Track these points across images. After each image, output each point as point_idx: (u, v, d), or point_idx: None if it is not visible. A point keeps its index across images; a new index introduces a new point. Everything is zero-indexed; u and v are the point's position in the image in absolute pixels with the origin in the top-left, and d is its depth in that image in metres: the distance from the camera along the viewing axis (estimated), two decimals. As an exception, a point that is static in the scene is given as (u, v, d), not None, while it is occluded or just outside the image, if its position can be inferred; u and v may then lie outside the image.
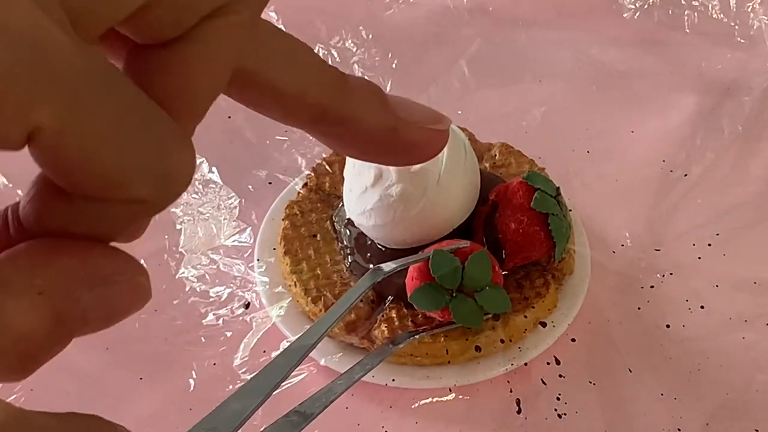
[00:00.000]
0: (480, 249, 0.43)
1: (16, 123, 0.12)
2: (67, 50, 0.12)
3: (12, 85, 0.11)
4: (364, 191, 0.44)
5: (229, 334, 0.47)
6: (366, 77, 0.65)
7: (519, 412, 0.44)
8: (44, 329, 0.13)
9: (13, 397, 0.43)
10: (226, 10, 0.15)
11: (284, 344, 0.45)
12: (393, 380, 0.43)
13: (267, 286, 0.48)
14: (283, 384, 0.45)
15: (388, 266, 0.39)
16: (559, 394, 0.45)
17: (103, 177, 0.13)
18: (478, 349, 0.44)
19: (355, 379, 0.34)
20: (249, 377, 0.45)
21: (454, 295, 0.41)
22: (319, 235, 0.49)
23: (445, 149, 0.44)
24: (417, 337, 0.43)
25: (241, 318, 0.48)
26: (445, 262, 0.41)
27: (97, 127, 0.12)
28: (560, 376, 0.46)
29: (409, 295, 0.42)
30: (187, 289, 0.49)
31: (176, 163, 0.14)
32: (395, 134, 0.18)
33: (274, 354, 0.45)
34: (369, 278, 0.38)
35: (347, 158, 0.47)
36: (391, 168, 0.43)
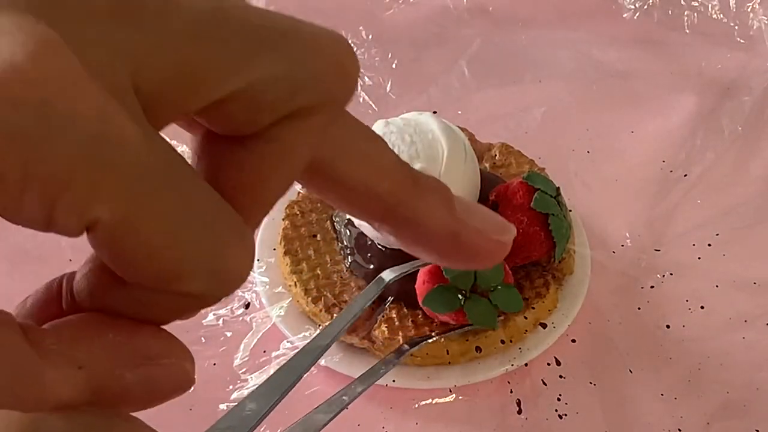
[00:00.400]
0: None
1: (75, 215, 0.12)
2: (135, 143, 0.12)
3: (74, 179, 0.11)
4: (364, 191, 0.44)
5: (229, 334, 0.47)
6: (366, 77, 0.65)
7: (519, 412, 0.44)
8: (80, 402, 0.13)
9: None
10: (306, 112, 0.14)
11: (284, 344, 0.45)
12: (393, 381, 0.43)
13: (267, 286, 0.48)
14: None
15: (393, 272, 0.39)
16: (560, 395, 0.45)
17: (159, 272, 0.13)
18: (478, 349, 0.44)
19: (371, 383, 0.34)
20: (249, 377, 0.45)
21: (467, 296, 0.41)
22: (319, 235, 0.49)
23: (445, 150, 0.44)
24: (431, 340, 0.42)
25: (241, 318, 0.48)
26: None
27: (157, 225, 0.12)
28: (560, 376, 0.46)
29: (421, 299, 0.42)
30: (187, 289, 0.49)
31: (234, 261, 0.14)
32: (457, 239, 0.18)
33: (275, 354, 0.45)
34: (374, 287, 0.38)
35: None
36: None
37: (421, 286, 0.42)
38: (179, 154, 0.13)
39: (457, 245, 0.18)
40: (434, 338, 0.43)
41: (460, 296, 0.41)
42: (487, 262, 0.19)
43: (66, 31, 0.11)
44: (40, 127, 0.11)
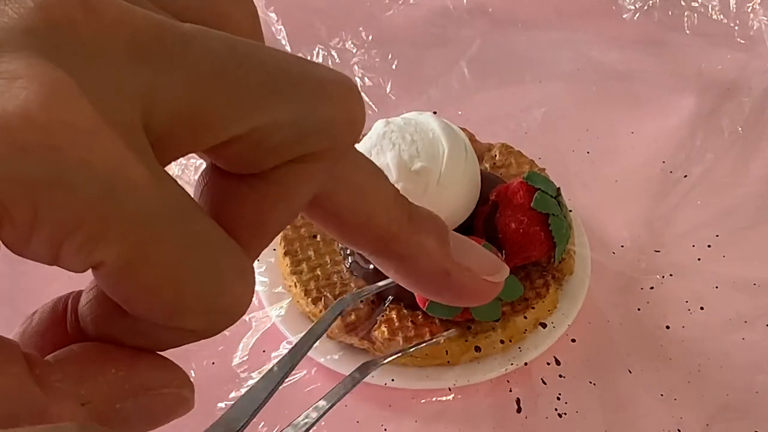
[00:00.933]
0: (481, 241, 0.42)
1: (81, 257, 0.12)
2: (145, 187, 0.12)
3: (83, 223, 0.11)
4: (364, 191, 0.44)
5: (228, 333, 0.47)
6: (366, 78, 0.65)
7: (519, 411, 0.44)
8: None
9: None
10: (310, 157, 0.14)
11: (284, 344, 0.45)
12: (393, 380, 0.43)
13: (267, 286, 0.48)
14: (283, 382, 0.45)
15: (353, 297, 0.39)
16: (559, 394, 0.45)
17: (159, 309, 0.13)
18: (477, 349, 0.44)
19: (359, 379, 0.33)
20: (248, 377, 0.45)
21: None
22: (319, 236, 0.49)
23: (446, 149, 0.44)
24: (423, 345, 0.42)
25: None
26: None
27: (161, 266, 0.12)
28: (560, 376, 0.46)
29: (423, 304, 0.42)
30: (186, 289, 0.49)
31: (234, 298, 0.14)
32: (447, 278, 0.18)
33: (274, 354, 0.45)
34: (334, 311, 0.37)
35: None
36: (392, 166, 0.43)
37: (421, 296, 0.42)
38: (185, 192, 0.13)
39: (448, 283, 0.18)
40: (428, 343, 0.42)
41: None
42: (475, 301, 0.19)
43: (79, 72, 0.11)
44: (51, 174, 0.11)
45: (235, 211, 0.14)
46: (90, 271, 0.13)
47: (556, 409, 0.44)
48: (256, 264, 0.49)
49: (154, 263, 0.12)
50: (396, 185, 0.46)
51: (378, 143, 0.44)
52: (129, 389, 0.14)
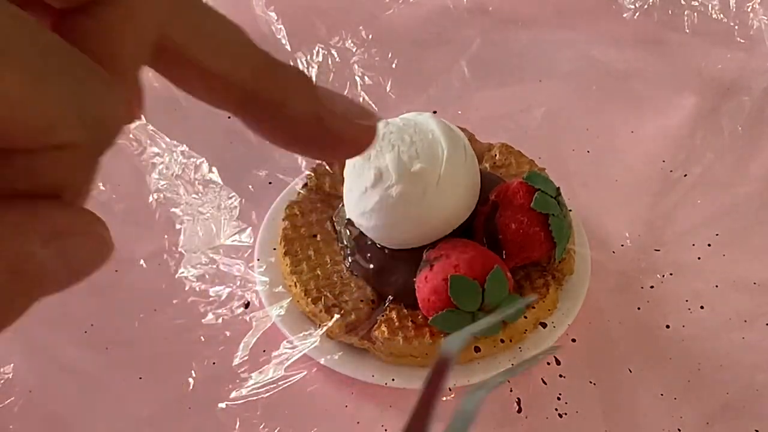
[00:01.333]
0: (495, 265, 0.42)
1: None
2: None
3: None
4: (365, 192, 0.44)
5: (228, 333, 0.47)
6: (366, 77, 0.65)
7: (519, 411, 0.44)
8: None
9: (11, 399, 0.43)
10: None
11: (284, 344, 0.45)
12: (393, 380, 0.43)
13: (267, 286, 0.48)
14: (281, 383, 0.45)
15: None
16: (560, 394, 0.45)
17: (27, 124, 0.13)
18: (477, 349, 0.44)
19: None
20: (249, 377, 0.45)
21: (477, 316, 0.41)
22: (319, 236, 0.49)
23: (445, 150, 0.44)
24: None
25: (240, 317, 0.48)
26: (464, 287, 0.41)
27: (18, 72, 0.12)
28: (560, 376, 0.46)
29: (425, 312, 0.42)
30: (186, 288, 0.49)
31: (104, 103, 0.14)
32: (321, 124, 0.18)
33: (274, 354, 0.45)
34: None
35: (347, 159, 0.47)
36: (392, 168, 0.43)
37: (425, 302, 0.42)
38: (27, 14, 0.13)
39: (321, 131, 0.18)
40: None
41: (468, 317, 0.41)
42: (351, 150, 0.19)
43: None
44: None
45: (83, 47, 0.14)
46: None
47: (556, 409, 0.44)
48: (256, 263, 0.49)
49: (10, 70, 0.12)
50: (396, 188, 0.46)
51: (377, 145, 0.44)
52: (36, 232, 0.13)
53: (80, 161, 0.14)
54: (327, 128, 0.18)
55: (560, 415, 0.44)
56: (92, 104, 0.14)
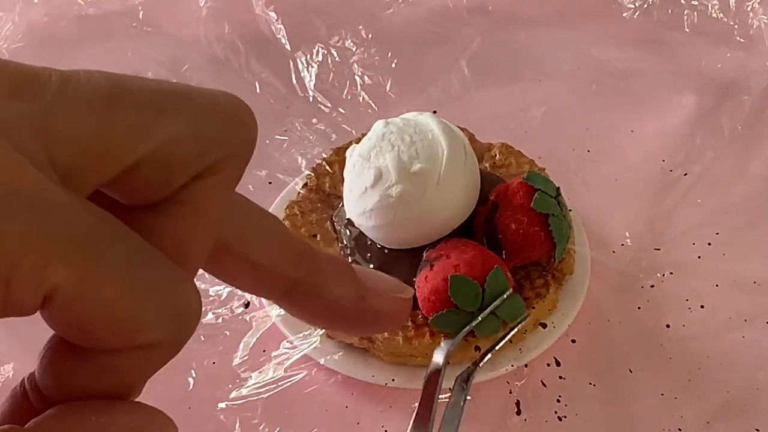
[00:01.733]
0: (495, 265, 0.42)
1: (33, 285, 0.12)
2: (71, 206, 0.12)
3: (26, 249, 0.11)
4: (364, 192, 0.44)
5: (228, 333, 0.47)
6: (366, 77, 0.65)
7: (519, 413, 0.44)
8: None
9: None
10: (213, 169, 0.15)
11: (284, 344, 0.45)
12: (393, 380, 0.43)
13: (267, 286, 0.48)
14: (281, 383, 0.45)
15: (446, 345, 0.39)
16: (559, 396, 0.45)
17: (121, 325, 0.13)
18: (477, 349, 0.44)
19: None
20: (249, 376, 0.45)
21: (477, 316, 0.41)
22: (319, 236, 0.49)
23: (445, 150, 0.44)
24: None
25: (240, 317, 0.48)
26: (464, 287, 0.41)
27: (112, 277, 0.13)
28: (560, 377, 0.46)
29: (425, 311, 0.42)
30: (186, 288, 0.49)
31: (188, 301, 0.14)
32: (363, 303, 0.19)
33: (274, 353, 0.45)
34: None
35: (347, 158, 0.47)
36: (391, 168, 0.43)
37: (425, 302, 0.42)
38: (108, 213, 0.13)
39: (363, 310, 0.19)
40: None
41: (468, 317, 0.41)
42: (392, 324, 0.20)
43: None
44: None
45: (156, 244, 0.14)
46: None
47: (555, 412, 0.44)
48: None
49: (105, 276, 0.12)
50: (395, 187, 0.46)
51: (377, 145, 0.44)
52: None
53: (161, 358, 0.14)
54: (369, 306, 0.19)
55: (560, 418, 0.43)
56: (176, 302, 0.14)
